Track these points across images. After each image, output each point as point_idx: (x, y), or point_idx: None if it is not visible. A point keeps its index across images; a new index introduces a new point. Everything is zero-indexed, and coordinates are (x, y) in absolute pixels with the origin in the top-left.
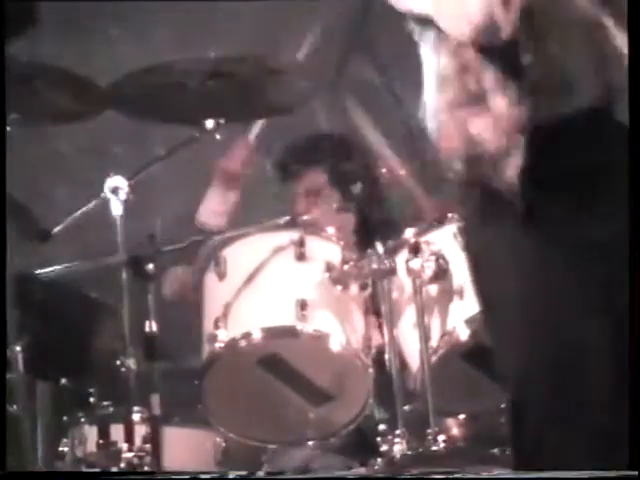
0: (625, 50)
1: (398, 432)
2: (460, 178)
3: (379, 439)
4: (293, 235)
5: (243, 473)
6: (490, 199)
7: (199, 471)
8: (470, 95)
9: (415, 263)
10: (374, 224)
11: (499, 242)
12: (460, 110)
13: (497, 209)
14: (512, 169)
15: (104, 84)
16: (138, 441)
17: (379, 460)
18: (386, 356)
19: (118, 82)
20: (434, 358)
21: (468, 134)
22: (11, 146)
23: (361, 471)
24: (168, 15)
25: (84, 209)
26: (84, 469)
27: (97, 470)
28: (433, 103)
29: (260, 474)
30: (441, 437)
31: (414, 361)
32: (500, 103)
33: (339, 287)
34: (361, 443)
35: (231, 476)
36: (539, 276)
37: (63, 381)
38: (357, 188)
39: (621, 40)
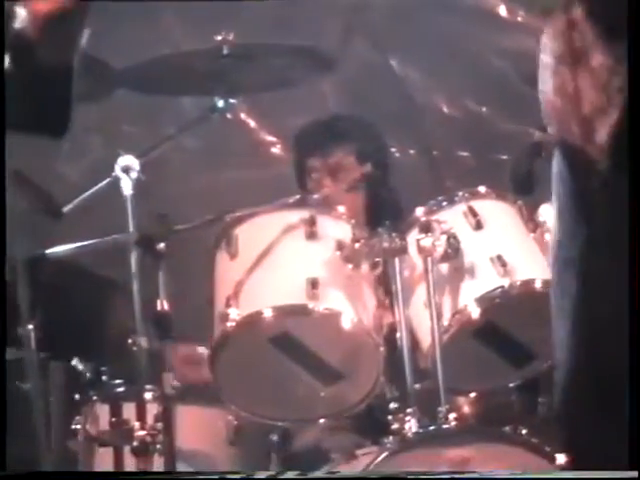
0: None
1: (409, 410)
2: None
3: (390, 417)
4: (304, 214)
5: (272, 473)
6: (577, 161)
7: (226, 471)
8: (575, 52)
9: (426, 242)
10: (384, 203)
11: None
12: (564, 67)
13: (583, 172)
14: (605, 129)
15: (114, 65)
16: (150, 419)
17: (390, 438)
18: (397, 334)
19: (131, 66)
20: (445, 336)
21: (569, 92)
22: None
23: (373, 449)
24: None
25: (95, 188)
26: (97, 447)
27: (111, 471)
28: (542, 60)
29: (289, 474)
30: (452, 415)
31: (425, 339)
32: (602, 60)
33: (350, 266)
34: (372, 421)
35: (259, 476)
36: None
37: (75, 360)
38: (367, 167)
39: None
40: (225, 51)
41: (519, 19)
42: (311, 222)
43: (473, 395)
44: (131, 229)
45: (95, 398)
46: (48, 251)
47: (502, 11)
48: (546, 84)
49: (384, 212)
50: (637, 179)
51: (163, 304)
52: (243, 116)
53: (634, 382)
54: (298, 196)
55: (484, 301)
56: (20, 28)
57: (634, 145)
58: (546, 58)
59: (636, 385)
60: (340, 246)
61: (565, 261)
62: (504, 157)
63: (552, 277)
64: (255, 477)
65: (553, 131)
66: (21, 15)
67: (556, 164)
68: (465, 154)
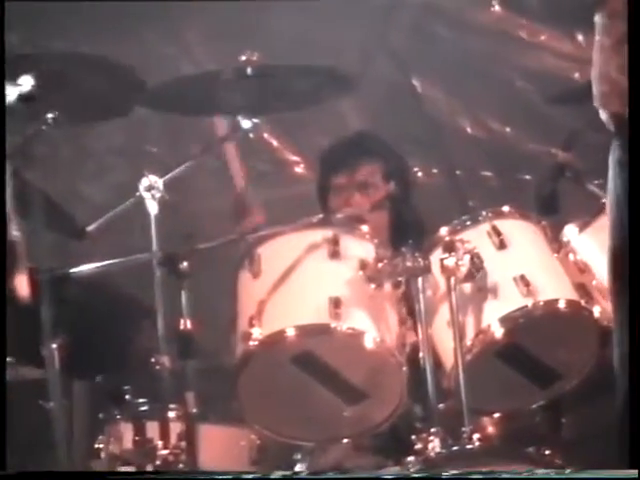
0: None
1: (433, 430)
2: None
3: (414, 437)
4: (327, 233)
5: (287, 473)
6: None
7: (242, 471)
8: (616, 39)
9: (449, 261)
10: (408, 222)
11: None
12: (604, 53)
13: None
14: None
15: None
16: (173, 438)
17: (413, 458)
18: (420, 354)
19: (155, 85)
20: (468, 356)
21: (614, 75)
22: (47, 145)
23: (395, 469)
24: (200, 12)
25: (119, 208)
26: (120, 466)
27: (130, 470)
28: (600, 42)
29: (303, 474)
30: (476, 435)
31: (448, 359)
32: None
33: (373, 285)
34: (395, 441)
35: (273, 476)
36: None
37: (99, 379)
38: (391, 186)
39: None
40: (249, 71)
41: (542, 39)
42: (334, 241)
43: (497, 415)
44: (155, 248)
45: (119, 417)
46: (72, 270)
47: (525, 32)
48: (607, 65)
49: (407, 231)
50: (637, 179)
51: (186, 323)
52: (266, 136)
53: (634, 382)
54: (321, 215)
55: (507, 321)
56: None
57: (634, 143)
58: (605, 39)
59: (636, 385)
60: (363, 265)
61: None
62: (527, 177)
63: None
64: (270, 477)
65: (613, 112)
66: None
67: (616, 150)
68: (488, 174)
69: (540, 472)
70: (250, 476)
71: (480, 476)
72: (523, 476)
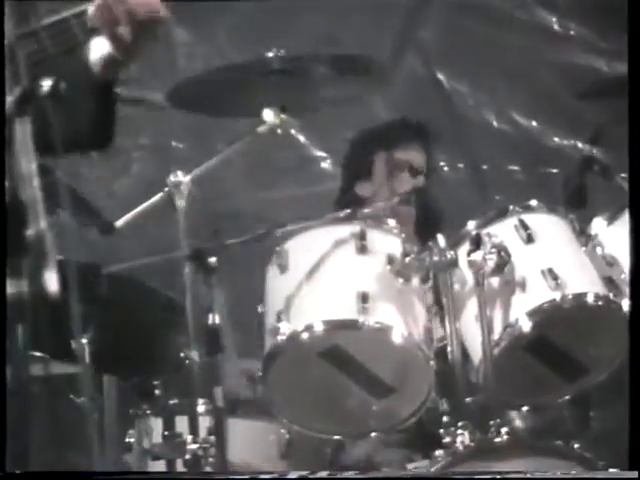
0: None
1: (461, 424)
2: None
3: (442, 431)
4: (354, 228)
5: (303, 473)
6: None
7: (259, 471)
8: None
9: (477, 255)
10: (434, 217)
11: None
12: None
13: None
14: None
15: (164, 82)
16: (203, 433)
17: (442, 452)
18: (448, 348)
19: (179, 85)
20: (496, 350)
21: None
22: None
23: (424, 463)
24: (229, 13)
25: (147, 204)
26: (150, 461)
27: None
28: None
29: (322, 474)
30: (504, 429)
31: (476, 353)
32: None
33: (400, 280)
34: (424, 435)
35: (291, 475)
36: None
37: (129, 374)
38: (419, 181)
39: None
40: (276, 66)
41: (571, 33)
42: (361, 236)
43: (525, 409)
44: (183, 244)
45: (148, 412)
46: (102, 265)
47: (554, 25)
48: None
49: (434, 226)
50: (637, 179)
51: (215, 318)
52: (293, 132)
53: (634, 382)
54: (348, 210)
55: (535, 315)
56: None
57: (634, 144)
58: None
59: (636, 385)
60: (390, 260)
61: None
62: (554, 171)
63: None
64: (287, 477)
65: None
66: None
67: None
68: (515, 168)
69: (538, 473)
70: (266, 476)
71: (487, 477)
72: (524, 476)
